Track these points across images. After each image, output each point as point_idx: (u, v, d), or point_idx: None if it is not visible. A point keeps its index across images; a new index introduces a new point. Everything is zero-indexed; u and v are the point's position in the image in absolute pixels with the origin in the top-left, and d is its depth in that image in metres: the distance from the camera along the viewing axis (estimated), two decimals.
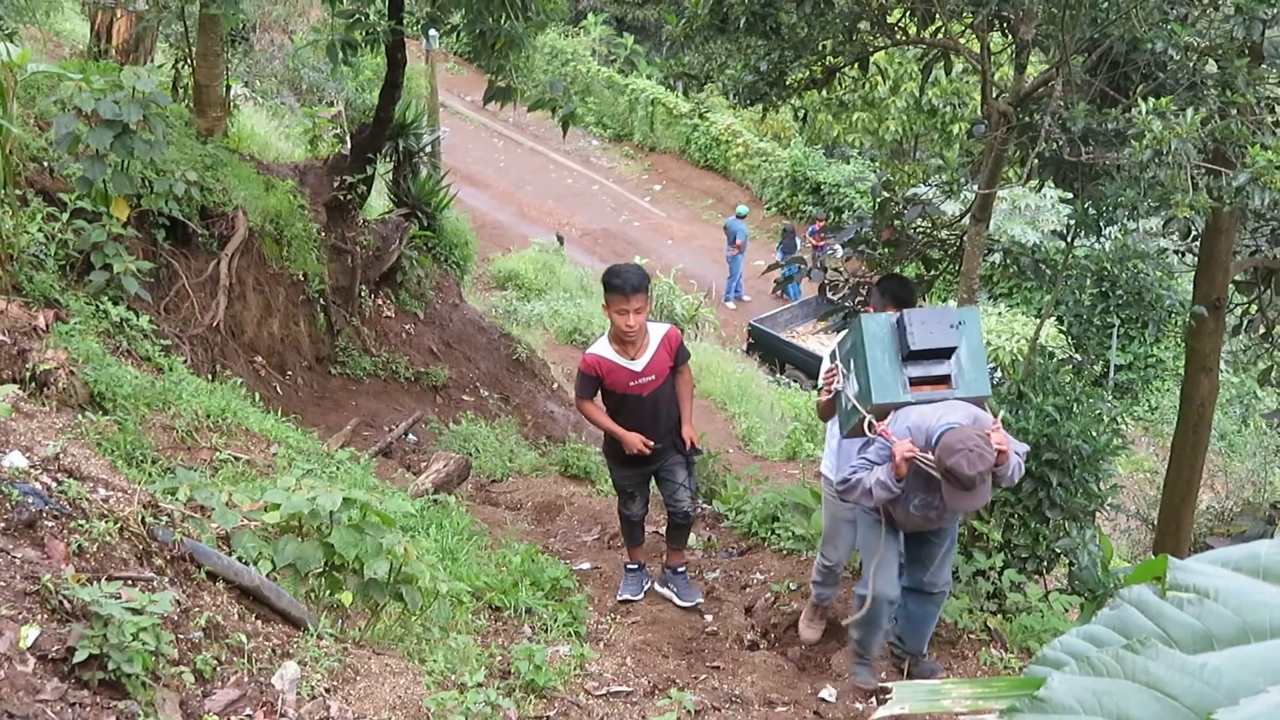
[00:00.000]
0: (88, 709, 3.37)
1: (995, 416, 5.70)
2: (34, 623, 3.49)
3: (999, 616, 7.24)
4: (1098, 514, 7.88)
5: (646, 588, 7.70)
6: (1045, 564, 7.39)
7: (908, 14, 8.49)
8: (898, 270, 8.71)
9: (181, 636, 3.86)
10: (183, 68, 11.82)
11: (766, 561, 8.31)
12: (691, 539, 8.23)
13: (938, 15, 8.02)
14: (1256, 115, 6.85)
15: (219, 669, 3.93)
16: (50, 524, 3.89)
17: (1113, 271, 9.21)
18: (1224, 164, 6.73)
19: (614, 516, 8.53)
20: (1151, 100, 6.17)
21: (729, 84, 8.54)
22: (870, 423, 5.76)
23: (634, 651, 6.70)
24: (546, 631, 6.68)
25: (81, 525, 3.94)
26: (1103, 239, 9.00)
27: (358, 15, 11.67)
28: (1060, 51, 7.03)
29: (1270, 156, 6.15)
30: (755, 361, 22.87)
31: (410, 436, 11.53)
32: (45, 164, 8.60)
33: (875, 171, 23.56)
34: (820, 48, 8.45)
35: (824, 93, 9.13)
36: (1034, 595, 7.27)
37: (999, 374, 8.09)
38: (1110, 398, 8.59)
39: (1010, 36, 7.78)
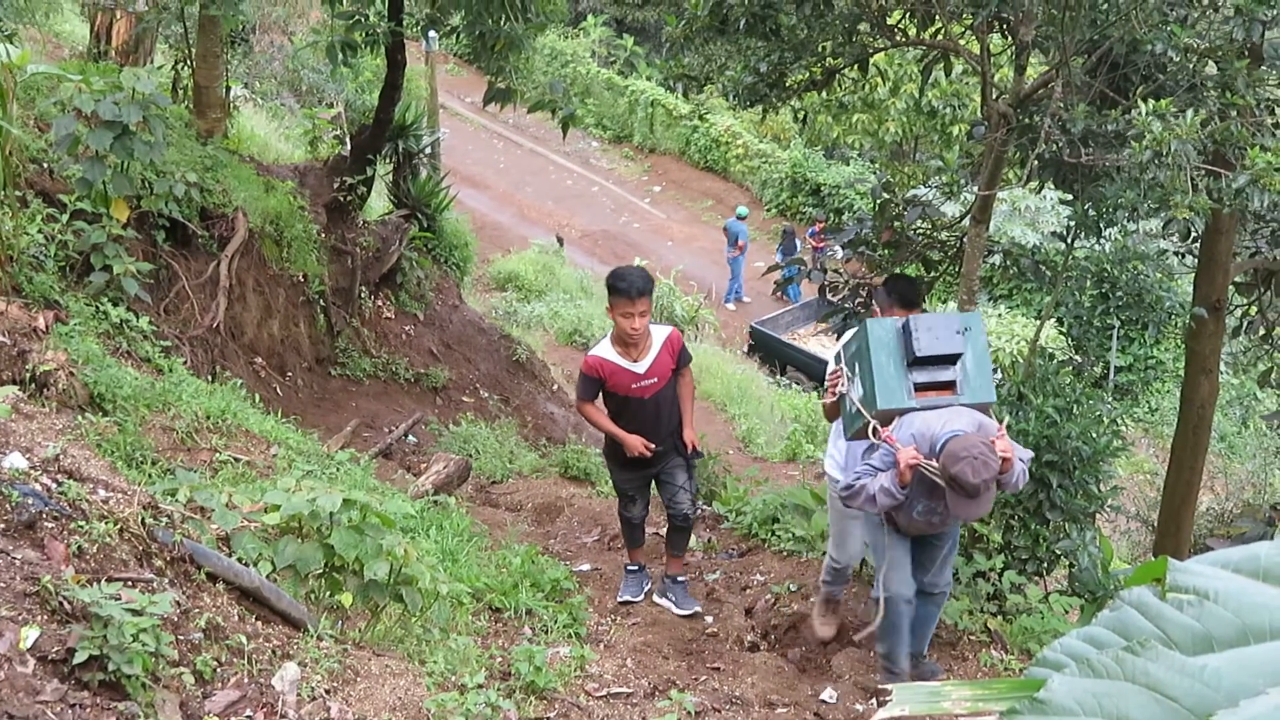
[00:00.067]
0: (88, 710, 3.37)
1: (1000, 423, 5.69)
2: (34, 624, 3.49)
3: (999, 618, 7.24)
4: (1098, 515, 7.87)
5: (647, 589, 7.70)
6: (1045, 565, 7.39)
7: (907, 15, 8.50)
8: (898, 271, 8.71)
9: (181, 638, 3.86)
10: (182, 69, 11.82)
11: (767, 563, 8.31)
12: (692, 540, 8.22)
13: (937, 17, 8.03)
14: (1256, 117, 6.86)
15: (219, 670, 3.93)
16: (50, 525, 3.89)
17: (1113, 273, 9.21)
18: (1224, 165, 6.73)
19: (614, 518, 8.53)
20: (1151, 102, 6.17)
21: (729, 85, 8.55)
22: (875, 428, 5.76)
23: (634, 653, 6.70)
24: (547, 633, 6.68)
25: (81, 526, 3.94)
26: (1103, 240, 9.00)
27: (357, 17, 11.67)
28: (1060, 53, 7.03)
29: (1270, 158, 6.15)
30: (756, 363, 22.87)
31: (410, 438, 11.52)
32: (45, 165, 8.59)
33: (875, 173, 23.61)
34: (820, 49, 8.46)
35: (824, 94, 9.14)
36: (1034, 597, 7.28)
37: (999, 375, 8.09)
38: (1110, 399, 8.58)
39: (1010, 38, 7.79)
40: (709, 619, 7.43)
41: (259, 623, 4.36)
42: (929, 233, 9.40)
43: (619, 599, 7.62)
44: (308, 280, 11.66)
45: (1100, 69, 7.34)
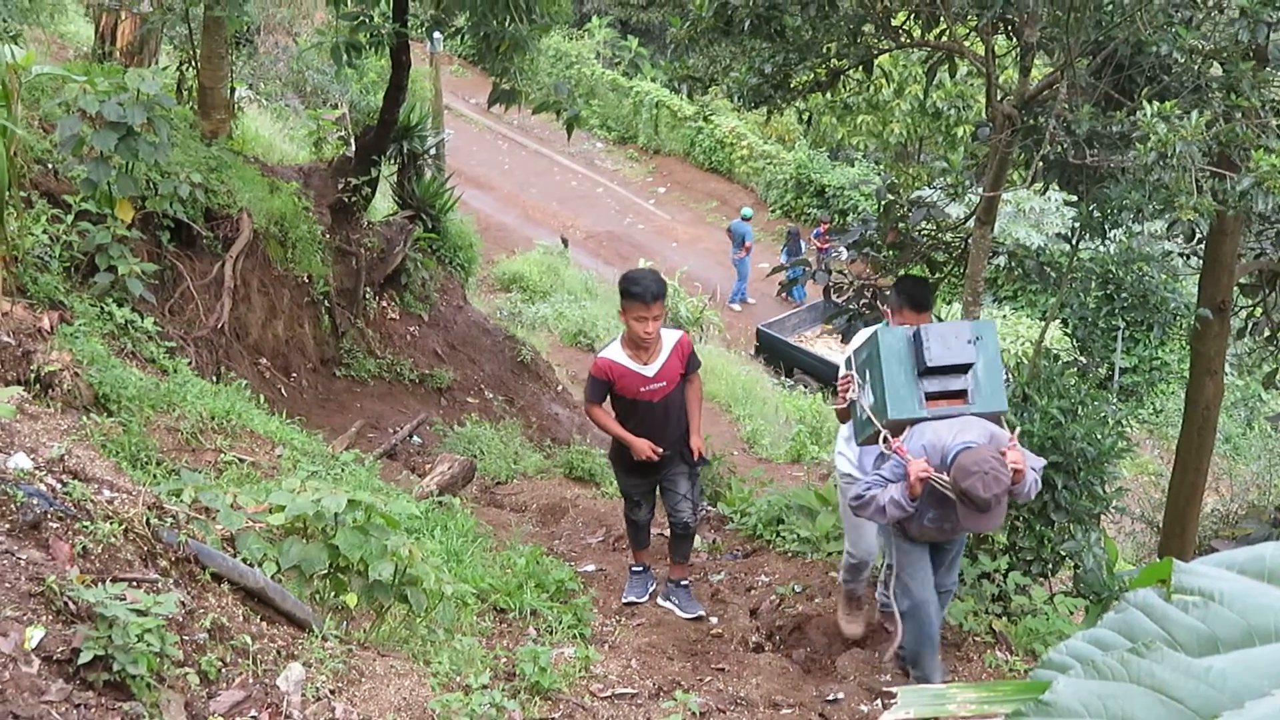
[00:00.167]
0: (92, 710, 3.37)
1: (1012, 432, 5.67)
2: (39, 624, 3.49)
3: (1004, 619, 7.23)
4: (1103, 517, 7.87)
5: (651, 590, 7.70)
6: (1050, 567, 7.38)
7: (912, 17, 8.49)
8: (903, 272, 8.71)
9: (186, 638, 3.86)
10: (187, 70, 11.83)
11: (771, 564, 8.31)
12: (697, 541, 8.22)
13: (942, 18, 8.02)
14: (1261, 119, 6.84)
15: (224, 670, 3.93)
16: (55, 525, 3.89)
17: (1117, 274, 9.20)
18: (1229, 167, 6.72)
19: (619, 519, 8.53)
20: (1156, 103, 6.16)
21: (733, 86, 8.55)
22: (885, 437, 5.74)
23: (639, 653, 6.70)
24: (551, 633, 6.68)
25: (86, 527, 3.95)
26: (1107, 242, 8.99)
27: (362, 18, 11.68)
28: (1065, 54, 7.03)
29: (1274, 160, 6.13)
30: (762, 365, 22.88)
31: (415, 438, 11.53)
32: (50, 166, 8.60)
33: (880, 174, 23.58)
34: (825, 50, 8.46)
35: (828, 95, 9.12)
36: (1039, 598, 7.27)
37: (1005, 377, 8.09)
38: (1115, 400, 8.58)
39: (1015, 39, 7.79)
40: (714, 620, 7.43)
41: (264, 623, 4.37)
42: (934, 234, 9.40)
43: (624, 600, 7.62)
44: (312, 281, 11.66)
45: (1105, 70, 7.33)
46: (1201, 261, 10.35)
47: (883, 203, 9.23)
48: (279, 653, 4.21)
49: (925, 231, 9.31)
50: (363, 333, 12.73)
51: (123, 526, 4.07)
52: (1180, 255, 11.11)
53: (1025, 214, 22.66)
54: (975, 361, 5.75)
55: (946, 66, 8.97)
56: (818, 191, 29.58)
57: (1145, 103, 6.25)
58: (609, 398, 7.13)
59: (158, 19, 11.43)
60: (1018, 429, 5.94)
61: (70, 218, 7.93)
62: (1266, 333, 11.14)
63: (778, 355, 23.17)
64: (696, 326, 22.29)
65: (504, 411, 13.43)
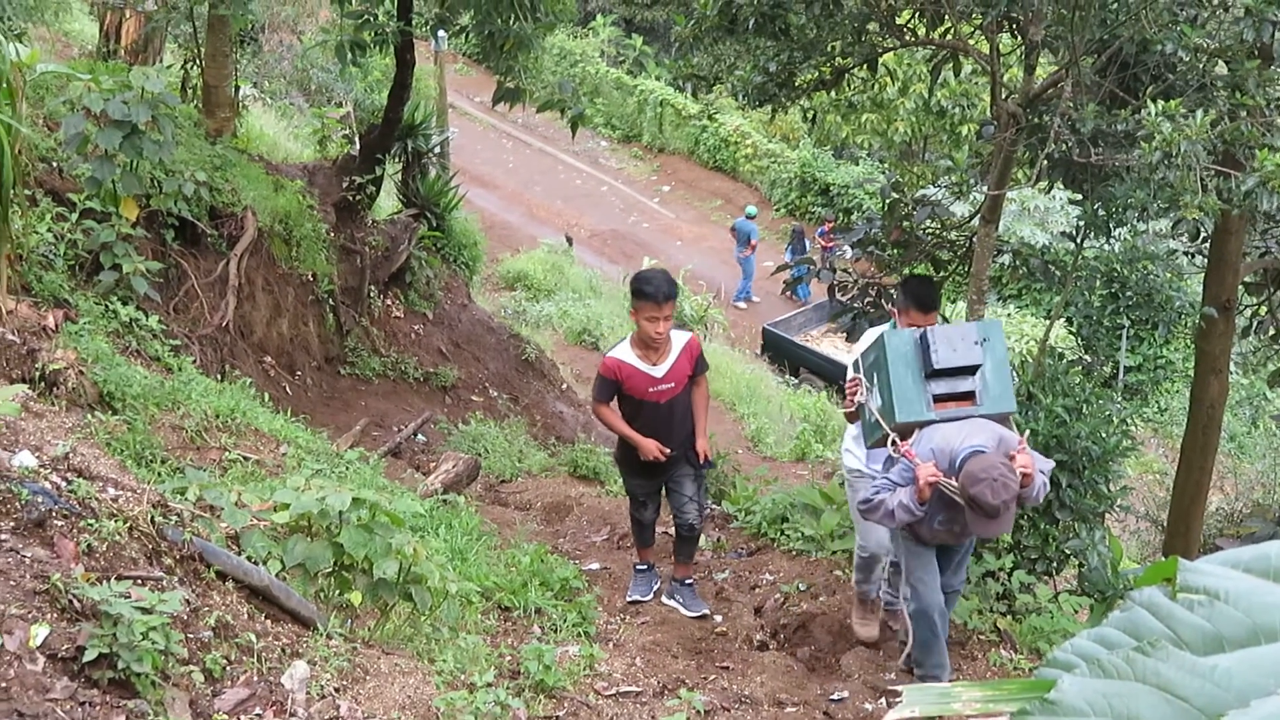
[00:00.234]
0: (97, 708, 3.37)
1: (1021, 434, 5.65)
2: (44, 622, 3.49)
3: (1009, 618, 7.23)
4: (1107, 515, 7.86)
5: (656, 588, 7.70)
6: (1055, 565, 7.38)
7: (917, 15, 8.49)
8: (907, 271, 8.71)
9: (191, 636, 3.86)
10: (191, 68, 11.84)
11: (776, 562, 8.30)
12: (701, 540, 8.23)
13: (947, 16, 8.02)
14: (1266, 117, 6.83)
15: (228, 668, 3.94)
16: (60, 523, 3.89)
17: (1122, 273, 9.21)
18: (1234, 166, 6.71)
19: (623, 517, 8.52)
20: (1161, 102, 6.16)
21: (738, 85, 8.56)
22: (894, 440, 5.72)
23: (643, 652, 6.70)
24: (556, 632, 6.68)
25: (91, 524, 3.95)
26: (1112, 240, 8.98)
27: (366, 16, 11.68)
28: (1070, 53, 7.02)
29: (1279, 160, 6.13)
30: (768, 364, 22.87)
31: (419, 437, 11.54)
32: (54, 164, 8.61)
33: (884, 172, 23.59)
34: (829, 49, 8.46)
35: (833, 94, 9.13)
36: (1044, 596, 7.26)
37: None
38: (1120, 399, 8.58)
39: (1019, 38, 7.79)
40: (718, 618, 7.43)
41: (268, 621, 4.37)
42: (938, 232, 9.39)
43: (628, 598, 7.62)
44: (317, 279, 11.67)
45: (1110, 69, 7.33)
46: (1206, 260, 10.33)
47: (887, 201, 9.23)
48: (284, 651, 4.21)
49: (930, 230, 9.30)
50: (367, 331, 12.73)
51: (127, 524, 4.07)
52: (1185, 254, 11.09)
53: (1030, 212, 22.62)
54: (983, 363, 5.73)
55: (951, 65, 8.96)
56: (822, 190, 29.57)
57: (1150, 101, 6.25)
58: (616, 397, 7.13)
59: (162, 17, 11.44)
60: (1027, 431, 5.92)
61: (75, 216, 7.94)
62: (1271, 331, 11.12)
63: (784, 354, 23.15)
64: (701, 325, 22.29)
65: (508, 410, 13.43)
